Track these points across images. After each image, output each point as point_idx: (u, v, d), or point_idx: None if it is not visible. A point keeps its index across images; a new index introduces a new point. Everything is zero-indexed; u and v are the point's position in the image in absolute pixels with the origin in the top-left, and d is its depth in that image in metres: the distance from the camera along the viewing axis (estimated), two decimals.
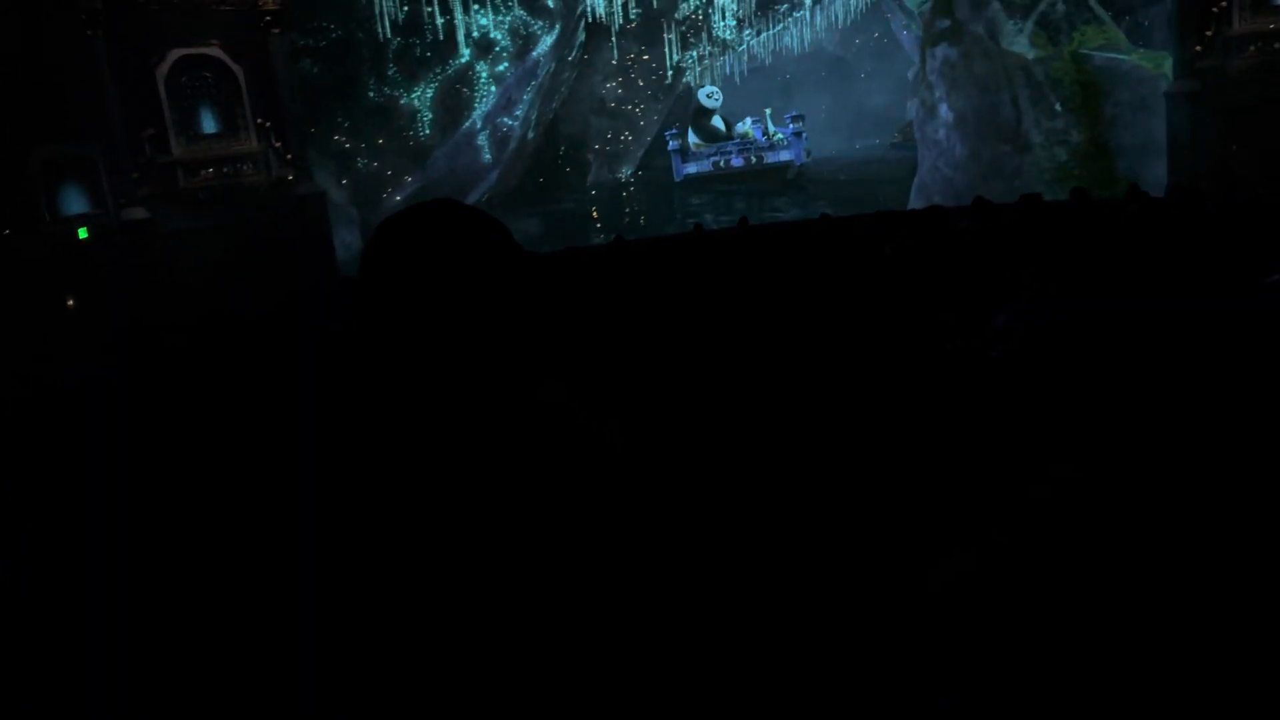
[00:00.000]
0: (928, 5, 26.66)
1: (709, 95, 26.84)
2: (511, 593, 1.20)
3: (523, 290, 1.29)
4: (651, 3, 25.93)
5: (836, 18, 26.79)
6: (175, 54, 15.46)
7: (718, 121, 26.88)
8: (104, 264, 13.96)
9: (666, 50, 26.70)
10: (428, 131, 23.32)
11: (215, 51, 15.85)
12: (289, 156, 16.65)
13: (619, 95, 27.17)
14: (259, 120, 16.24)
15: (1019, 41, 22.07)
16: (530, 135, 25.22)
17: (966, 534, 1.80)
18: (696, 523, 1.52)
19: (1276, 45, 14.69)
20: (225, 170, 15.96)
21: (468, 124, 24.10)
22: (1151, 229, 7.13)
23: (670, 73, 27.02)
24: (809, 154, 25.52)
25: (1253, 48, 14.91)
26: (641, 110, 27.75)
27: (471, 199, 21.34)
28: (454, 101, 23.88)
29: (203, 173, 15.78)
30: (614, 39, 26.01)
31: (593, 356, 4.33)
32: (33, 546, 2.72)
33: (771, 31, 27.15)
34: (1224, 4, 14.99)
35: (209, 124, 15.93)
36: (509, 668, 1.20)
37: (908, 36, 27.87)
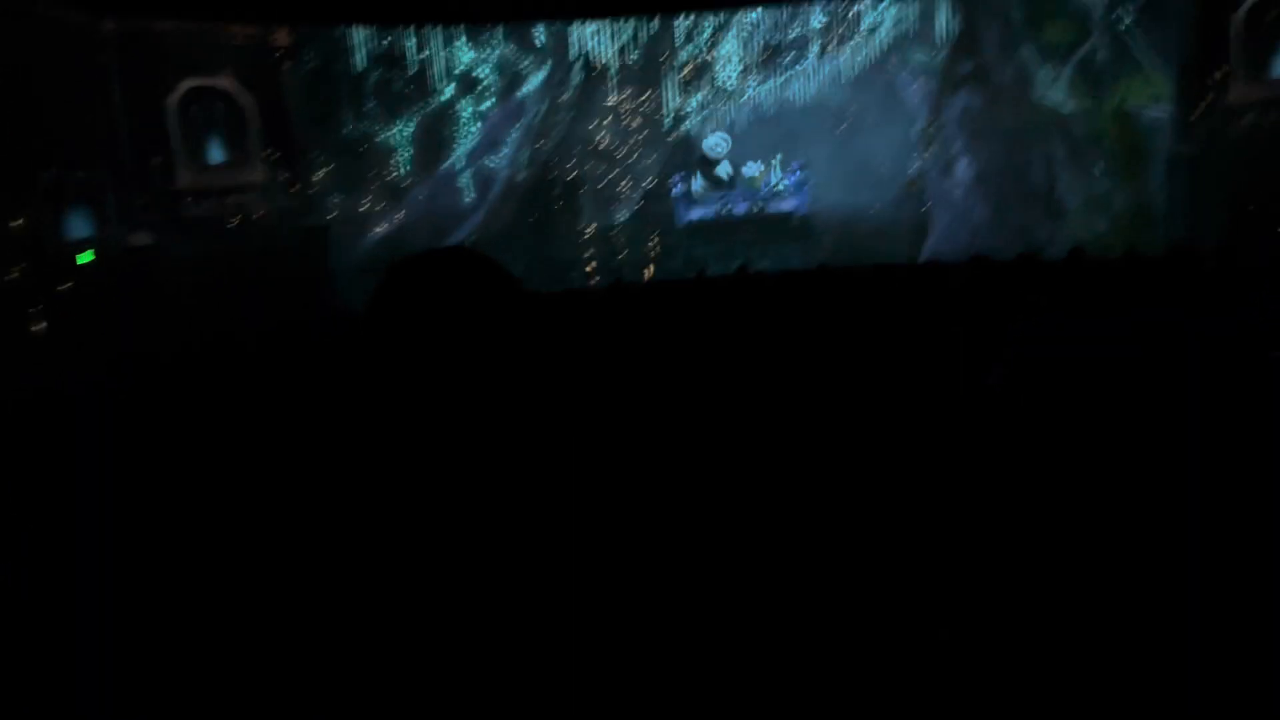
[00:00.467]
0: (941, 57, 26.27)
1: (716, 144, 26.74)
2: (504, 635, 1.22)
3: (532, 341, 1.32)
4: (652, 47, 25.76)
5: (841, 70, 26.81)
6: (187, 83, 15.62)
7: (724, 169, 26.98)
8: (106, 287, 14.02)
9: (665, 95, 26.51)
10: (406, 170, 22.39)
11: (227, 82, 16.01)
12: (295, 188, 16.77)
13: (616, 139, 26.69)
14: (267, 152, 16.37)
15: (1054, 91, 20.10)
16: (520, 177, 24.69)
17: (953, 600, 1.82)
18: (690, 563, 1.54)
19: (1273, 114, 14.91)
20: (231, 200, 16.06)
21: (448, 163, 23.31)
22: (1146, 288, 7.20)
23: (670, 118, 26.77)
24: (813, 204, 25.44)
25: (1249, 115, 15.13)
26: (639, 155, 27.06)
27: (452, 241, 20.40)
28: (435, 139, 23.02)
29: (208, 201, 15.88)
30: (612, 81, 25.63)
31: (592, 402, 4.35)
32: (24, 551, 2.72)
33: (776, 81, 27.13)
34: (1223, 72, 15.24)
35: (217, 154, 16.04)
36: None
37: (914, 91, 27.49)
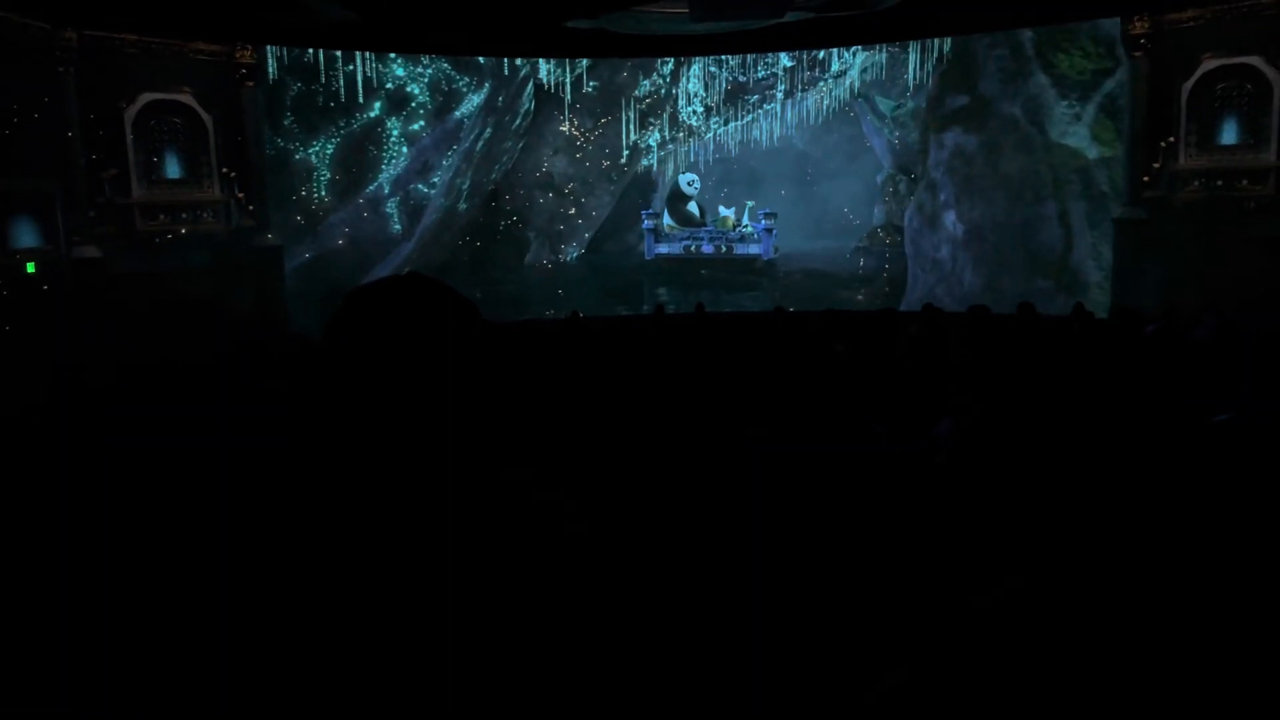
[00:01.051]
0: (906, 110, 25.60)
1: (689, 183, 26.88)
2: (468, 659, 1.19)
3: (490, 369, 1.29)
4: (610, 77, 24.07)
5: (808, 114, 26.12)
6: (146, 97, 15.45)
7: (693, 208, 26.96)
8: (50, 299, 13.73)
9: (624, 128, 24.87)
10: (325, 194, 20.76)
11: (186, 98, 15.87)
12: (250, 208, 16.61)
13: (569, 172, 25.26)
14: (224, 170, 16.21)
15: (1075, 132, 17.04)
16: (462, 206, 22.83)
17: (906, 649, 1.81)
18: (647, 601, 1.51)
19: (1218, 182, 15.35)
20: (185, 216, 15.86)
21: (373, 188, 21.96)
22: (1092, 347, 7.32)
23: (626, 152, 25.32)
24: (777, 250, 25.55)
25: (1196, 183, 15.56)
26: (593, 190, 25.79)
27: (379, 274, 17.79)
28: (358, 161, 21.37)
29: (161, 217, 15.66)
30: (565, 111, 23.86)
31: (549, 434, 4.32)
32: None
33: (740, 122, 26.14)
34: (1172, 140, 15.68)
35: (173, 169, 15.86)
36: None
37: (879, 141, 27.41)
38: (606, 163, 25.40)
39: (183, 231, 15.78)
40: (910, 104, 25.99)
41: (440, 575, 1.21)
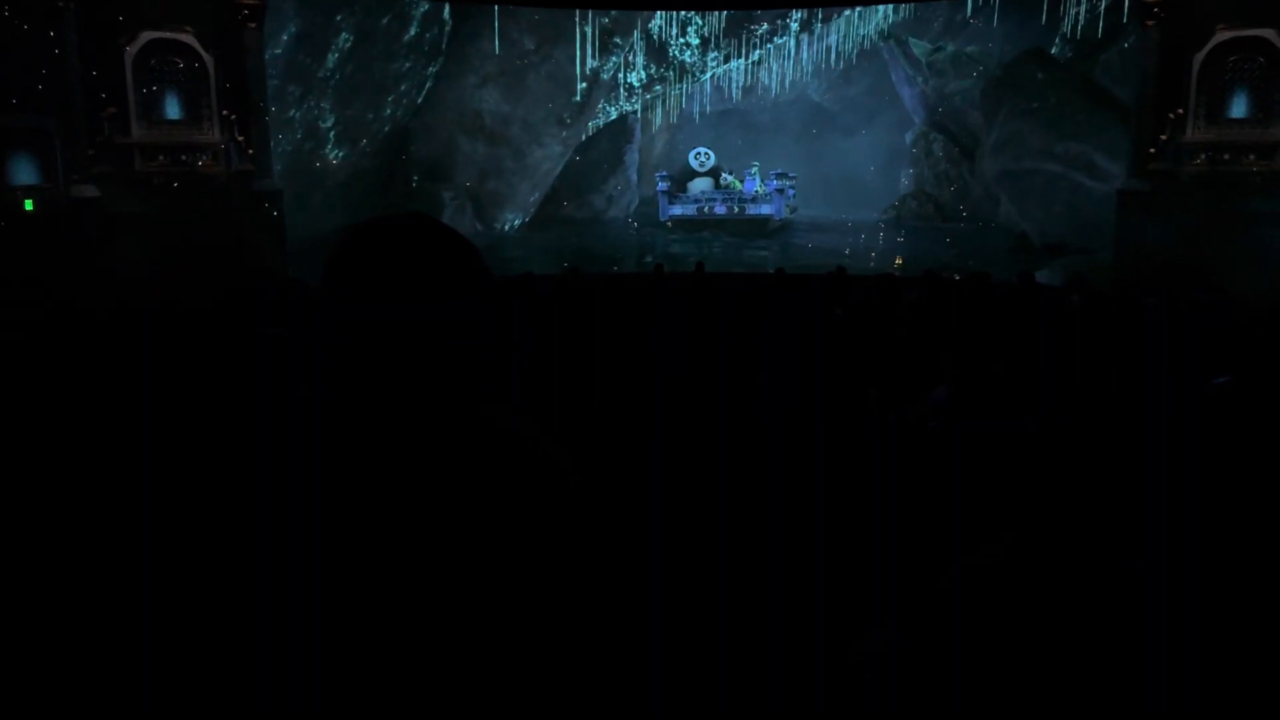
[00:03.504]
0: (945, 55, 22.57)
1: (698, 155, 24.90)
2: (462, 604, 1.19)
3: (489, 309, 1.28)
4: None
5: (824, 57, 21.75)
6: (146, 36, 15.25)
7: (704, 183, 24.76)
8: (46, 238, 13.66)
9: (577, 51, 18.79)
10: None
11: (188, 38, 15.65)
12: (250, 151, 16.46)
13: (503, 111, 19.22)
14: (224, 112, 16.04)
15: None
16: (336, 155, 17.37)
17: (898, 604, 1.82)
18: (639, 545, 1.52)
19: (1225, 156, 15.25)
20: (184, 158, 15.71)
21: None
22: (1093, 320, 7.31)
23: (583, 86, 19.60)
24: (793, 210, 24.23)
25: (1203, 156, 15.45)
26: (538, 137, 19.95)
27: None
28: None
29: (160, 158, 15.52)
30: (495, 24, 17.42)
31: (540, 381, 4.32)
32: None
33: (745, 61, 20.99)
34: (1180, 111, 15.55)
35: (173, 110, 15.69)
36: (460, 678, 1.18)
37: (910, 92, 24.01)
38: (553, 102, 19.99)
39: (182, 173, 15.65)
40: (949, 48, 22.65)
41: (426, 532, 1.21)
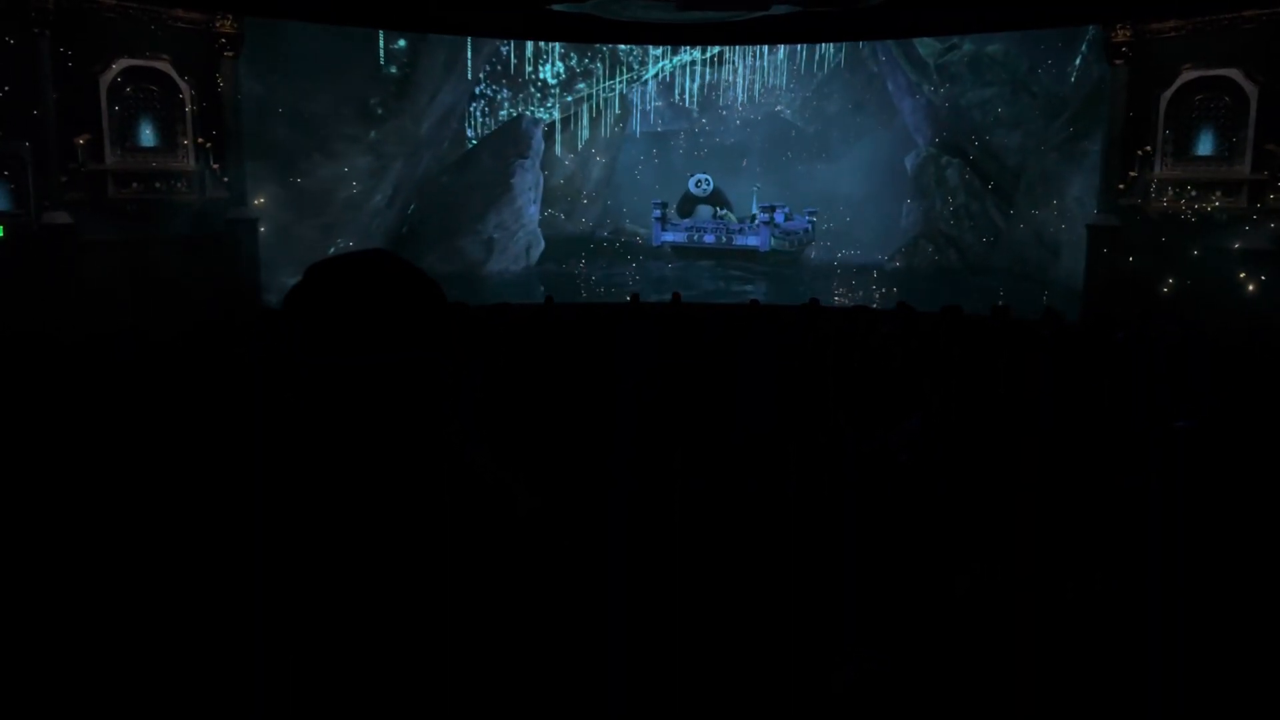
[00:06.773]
0: (960, 55, 18.27)
1: (697, 183, 24.78)
2: (422, 634, 1.19)
3: (451, 346, 1.28)
4: None
5: (801, 60, 17.26)
6: (122, 63, 15.21)
7: (704, 210, 24.85)
8: (18, 264, 13.52)
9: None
10: None
11: (164, 66, 15.64)
12: (225, 179, 16.41)
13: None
14: (199, 140, 16.01)
15: None
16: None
17: (874, 633, 1.82)
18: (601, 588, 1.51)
19: (1192, 192, 15.51)
20: (158, 185, 15.64)
21: None
22: (1064, 352, 7.38)
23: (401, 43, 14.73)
24: (805, 244, 23.35)
25: (1171, 192, 15.72)
26: (321, 141, 15.47)
27: None
28: None
29: (134, 185, 15.43)
30: None
31: (513, 413, 4.30)
32: None
33: (699, 55, 15.14)
34: (1149, 148, 15.83)
35: (148, 137, 15.63)
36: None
37: (912, 105, 19.79)
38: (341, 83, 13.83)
39: (156, 200, 15.57)
40: (967, 45, 17.62)
41: (408, 555, 1.21)
